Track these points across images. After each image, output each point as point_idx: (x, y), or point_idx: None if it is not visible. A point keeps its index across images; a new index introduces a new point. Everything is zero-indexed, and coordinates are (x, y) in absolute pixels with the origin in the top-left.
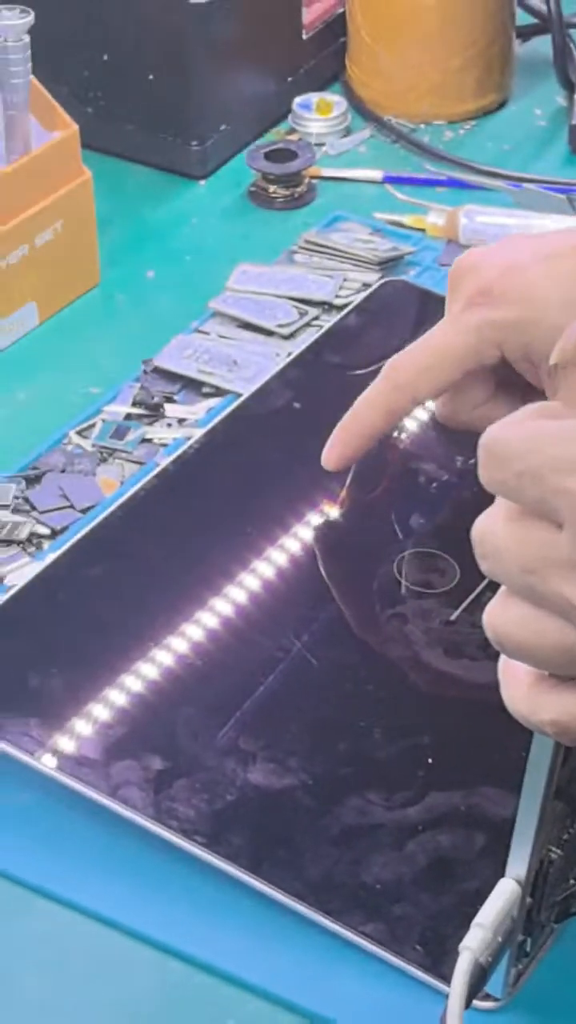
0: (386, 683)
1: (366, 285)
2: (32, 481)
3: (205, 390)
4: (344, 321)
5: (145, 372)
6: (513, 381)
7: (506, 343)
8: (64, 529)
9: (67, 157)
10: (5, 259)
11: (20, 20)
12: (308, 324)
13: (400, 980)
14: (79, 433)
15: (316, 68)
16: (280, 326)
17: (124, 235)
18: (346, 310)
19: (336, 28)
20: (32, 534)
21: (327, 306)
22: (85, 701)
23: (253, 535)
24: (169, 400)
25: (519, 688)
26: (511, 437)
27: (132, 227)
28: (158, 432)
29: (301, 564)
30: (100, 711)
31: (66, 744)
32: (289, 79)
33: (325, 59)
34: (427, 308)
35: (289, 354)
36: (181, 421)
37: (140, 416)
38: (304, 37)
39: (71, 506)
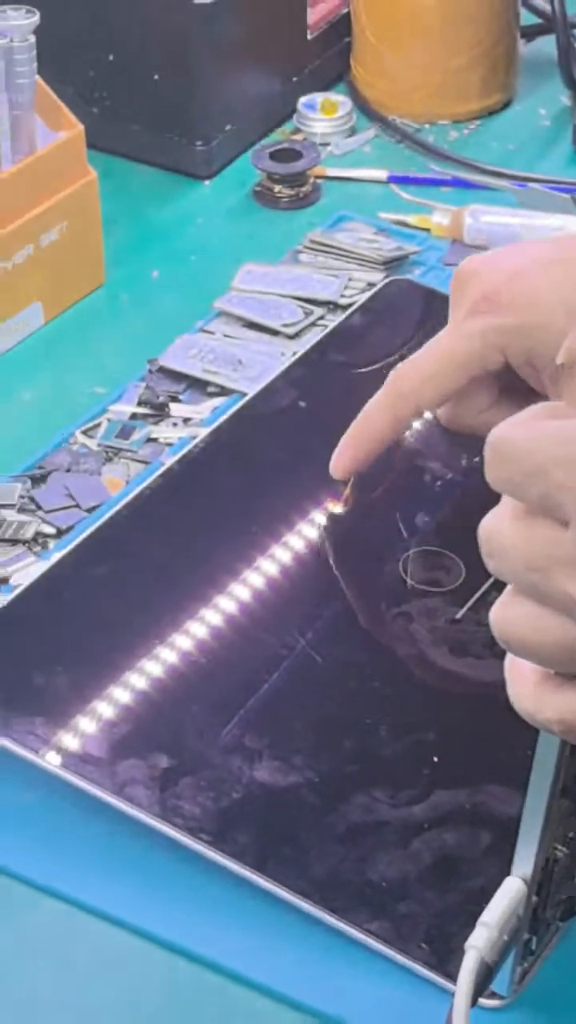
0: (391, 681)
1: (371, 285)
2: (38, 481)
3: (210, 390)
4: (349, 320)
5: (150, 372)
6: (517, 386)
7: (509, 348)
8: (69, 528)
9: (72, 157)
10: (10, 259)
11: (26, 20)
12: (313, 324)
13: (405, 978)
14: (84, 433)
15: (321, 68)
16: (285, 326)
17: (129, 235)
18: (351, 309)
19: (341, 28)
20: (38, 533)
21: (332, 306)
22: (90, 700)
23: (258, 534)
24: (174, 400)
25: (525, 686)
26: (517, 436)
27: (137, 227)
28: (163, 431)
29: (306, 563)
30: (105, 709)
31: (72, 742)
32: (294, 79)
33: (330, 59)
34: (432, 307)
35: (294, 353)
36: (186, 420)
37: (145, 416)
38: (309, 37)
39: (76, 505)
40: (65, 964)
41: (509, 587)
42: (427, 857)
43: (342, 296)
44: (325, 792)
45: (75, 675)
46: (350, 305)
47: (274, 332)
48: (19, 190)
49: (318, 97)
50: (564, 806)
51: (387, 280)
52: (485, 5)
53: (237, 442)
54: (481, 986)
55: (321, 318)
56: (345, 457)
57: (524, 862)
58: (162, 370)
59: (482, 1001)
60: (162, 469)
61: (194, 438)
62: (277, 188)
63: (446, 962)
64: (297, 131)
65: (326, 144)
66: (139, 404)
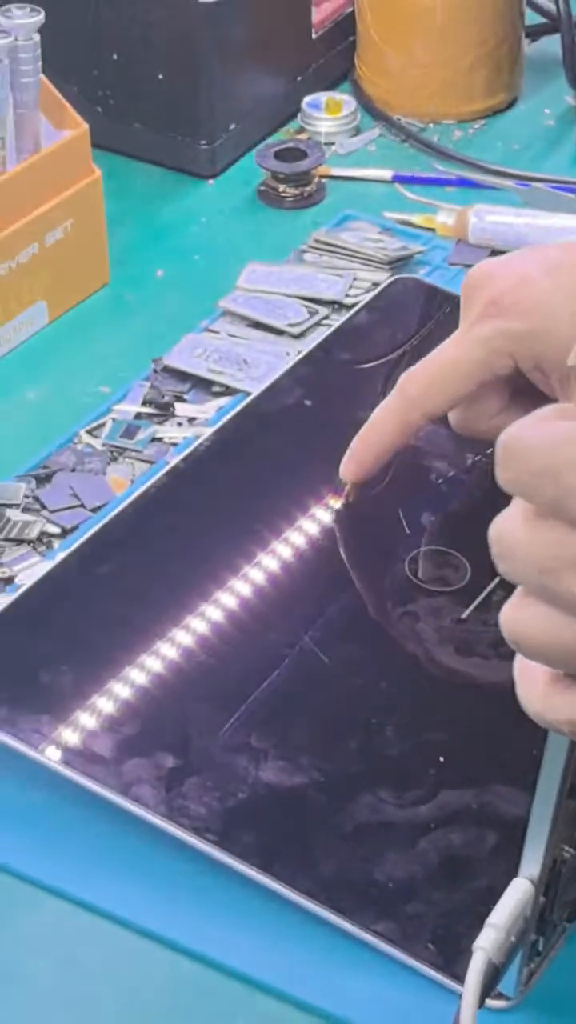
0: (398, 681)
1: (376, 284)
2: (42, 480)
3: (215, 389)
4: (354, 319)
5: (155, 371)
6: (527, 391)
7: (518, 353)
8: (74, 528)
9: (77, 156)
10: (15, 258)
11: (30, 19)
12: (318, 323)
13: (412, 979)
14: (89, 432)
15: (325, 67)
16: (290, 325)
17: (134, 234)
18: (356, 307)
19: (345, 27)
20: (42, 533)
21: (337, 305)
22: (96, 699)
23: (263, 533)
24: (179, 399)
25: (535, 687)
26: (528, 437)
27: (142, 226)
28: (168, 431)
29: (312, 561)
30: (111, 709)
31: (77, 741)
32: (298, 78)
33: (334, 58)
34: (437, 305)
35: (299, 352)
36: (191, 420)
37: (150, 415)
38: (313, 36)
39: (81, 505)
40: (68, 964)
41: (520, 588)
42: (434, 858)
43: (347, 296)
44: (331, 792)
45: (80, 674)
46: (355, 304)
47: (279, 332)
48: (23, 189)
49: (322, 96)
50: (572, 807)
51: (392, 278)
52: (489, 5)
53: (242, 441)
54: (488, 987)
55: (326, 318)
56: (355, 461)
57: (531, 863)
58: (167, 369)
59: (489, 1002)
60: (167, 468)
61: (199, 438)
62: (281, 187)
63: (453, 963)
64: (301, 130)
65: (330, 143)
66: (144, 404)
